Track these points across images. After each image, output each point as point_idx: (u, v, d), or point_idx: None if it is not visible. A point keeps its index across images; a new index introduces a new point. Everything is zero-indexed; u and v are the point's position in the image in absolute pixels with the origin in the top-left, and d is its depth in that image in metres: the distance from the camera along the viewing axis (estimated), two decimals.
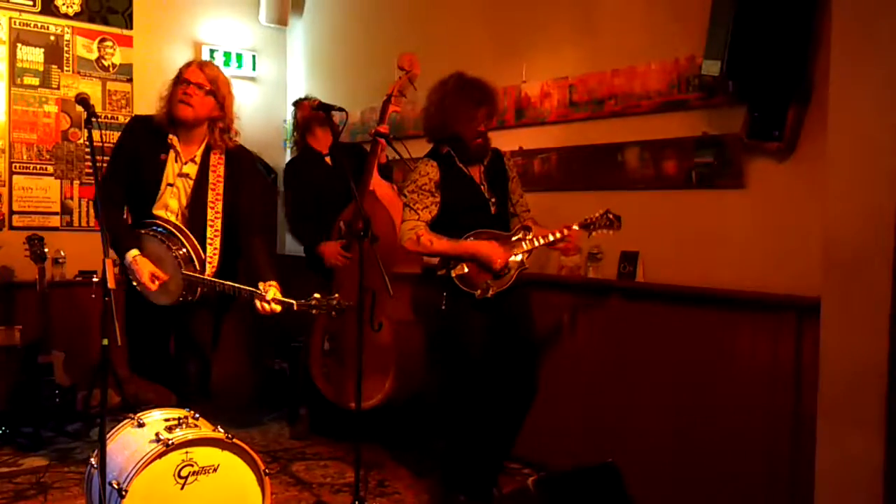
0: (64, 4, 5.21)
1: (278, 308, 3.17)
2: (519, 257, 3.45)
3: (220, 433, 2.89)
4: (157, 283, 3.28)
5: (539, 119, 4.30)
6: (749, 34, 3.13)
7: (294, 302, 3.15)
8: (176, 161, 3.39)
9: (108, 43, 5.37)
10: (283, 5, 6.08)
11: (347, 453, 4.28)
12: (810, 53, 3.15)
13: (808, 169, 3.17)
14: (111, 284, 2.65)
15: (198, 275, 3.29)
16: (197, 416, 3.03)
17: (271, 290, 3.20)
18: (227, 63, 5.85)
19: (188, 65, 3.44)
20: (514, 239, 3.48)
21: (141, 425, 2.97)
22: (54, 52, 5.20)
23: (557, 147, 4.20)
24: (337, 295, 3.14)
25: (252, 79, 6.03)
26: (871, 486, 2.68)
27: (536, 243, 3.43)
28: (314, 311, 3.13)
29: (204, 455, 2.81)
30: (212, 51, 5.77)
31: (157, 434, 2.82)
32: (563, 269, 4.13)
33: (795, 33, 3.14)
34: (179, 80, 3.36)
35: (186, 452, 2.78)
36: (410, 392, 4.22)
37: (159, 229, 3.35)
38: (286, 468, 4.19)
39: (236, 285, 3.24)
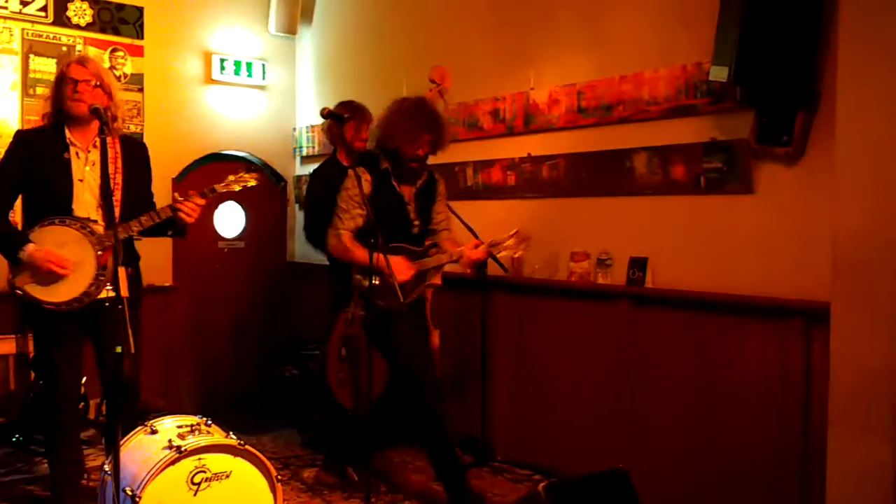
0: (76, 15, 5.26)
1: (201, 200, 3.32)
2: (425, 272, 3.71)
3: (232, 440, 2.91)
4: (67, 263, 3.18)
5: (547, 125, 4.31)
6: (757, 40, 3.14)
7: (214, 186, 3.36)
8: (78, 156, 3.36)
9: (120, 53, 5.41)
10: (293, 14, 6.12)
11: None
12: (818, 58, 3.15)
13: (817, 174, 3.17)
14: (124, 293, 2.68)
15: (105, 232, 3.23)
16: (209, 422, 3.06)
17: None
18: (237, 72, 5.88)
19: (68, 64, 3.42)
20: (423, 256, 3.73)
21: (153, 432, 2.99)
22: None
23: (566, 153, 4.21)
24: (243, 174, 3.43)
25: (262, 87, 6.06)
26: (882, 492, 2.67)
27: (438, 262, 3.73)
28: (236, 186, 3.41)
29: (216, 462, 2.83)
30: (222, 60, 5.80)
31: (169, 441, 2.85)
32: (572, 276, 4.14)
33: (803, 38, 3.14)
34: (64, 79, 3.35)
35: (199, 459, 2.80)
36: None
37: (54, 218, 3.25)
38: (297, 475, 4.21)
39: (154, 213, 3.30)
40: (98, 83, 3.34)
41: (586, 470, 3.04)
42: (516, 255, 3.62)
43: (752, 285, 3.39)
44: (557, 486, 2.67)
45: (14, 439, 4.44)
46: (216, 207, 5.71)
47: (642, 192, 3.83)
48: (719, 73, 3.23)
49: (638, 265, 3.84)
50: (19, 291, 3.22)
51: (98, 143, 3.37)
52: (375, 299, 3.58)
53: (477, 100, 4.69)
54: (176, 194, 3.37)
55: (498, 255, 3.70)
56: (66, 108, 3.33)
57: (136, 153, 3.51)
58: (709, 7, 3.34)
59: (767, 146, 3.30)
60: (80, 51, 5.25)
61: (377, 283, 3.56)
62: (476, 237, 4.25)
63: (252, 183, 3.44)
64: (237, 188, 3.42)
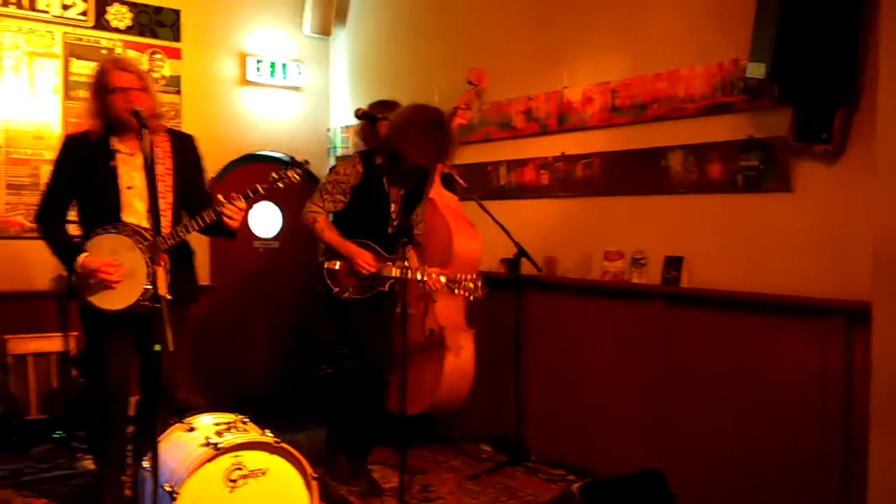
0: (115, 19, 5.35)
1: (242, 204, 3.21)
2: (387, 274, 3.74)
3: (268, 437, 2.94)
4: (116, 270, 3.18)
5: (581, 124, 4.29)
6: (795, 36, 3.10)
7: (258, 186, 3.18)
8: (125, 163, 3.31)
9: (158, 55, 5.49)
10: (327, 16, 6.16)
11: (392, 458, 4.32)
12: (858, 55, 3.10)
13: (857, 172, 3.12)
14: (161, 291, 2.72)
15: (156, 240, 3.12)
16: (245, 420, 3.09)
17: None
18: (272, 73, 5.94)
19: (108, 72, 3.28)
20: (389, 261, 3.75)
21: (191, 429, 3.03)
22: None
23: (600, 152, 4.19)
24: (285, 171, 3.21)
25: (296, 88, 6.11)
26: None
27: (399, 274, 3.67)
28: (280, 184, 3.20)
29: (253, 459, 2.86)
30: (258, 61, 5.86)
31: (206, 438, 2.88)
32: (606, 275, 4.12)
33: (842, 34, 3.09)
34: (110, 89, 3.24)
35: (236, 456, 2.83)
36: (461, 399, 4.24)
37: (108, 226, 3.26)
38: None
39: (199, 218, 3.20)
40: (143, 85, 3.28)
41: (620, 471, 3.03)
42: (471, 298, 3.72)
43: (790, 285, 3.35)
44: (592, 487, 2.67)
45: (56, 435, 4.54)
46: (251, 208, 5.77)
47: (678, 190, 3.80)
48: (756, 70, 3.20)
49: (673, 264, 3.80)
50: (80, 298, 3.30)
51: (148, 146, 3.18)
52: (330, 282, 3.77)
53: (510, 99, 4.68)
54: (220, 196, 3.22)
55: (454, 291, 3.73)
56: (119, 117, 3.24)
57: (185, 148, 3.44)
58: (745, 3, 3.31)
59: (806, 144, 3.26)
60: (119, 54, 5.33)
61: (337, 267, 3.75)
62: (510, 237, 4.26)
63: (296, 178, 3.27)
64: (281, 185, 3.24)
